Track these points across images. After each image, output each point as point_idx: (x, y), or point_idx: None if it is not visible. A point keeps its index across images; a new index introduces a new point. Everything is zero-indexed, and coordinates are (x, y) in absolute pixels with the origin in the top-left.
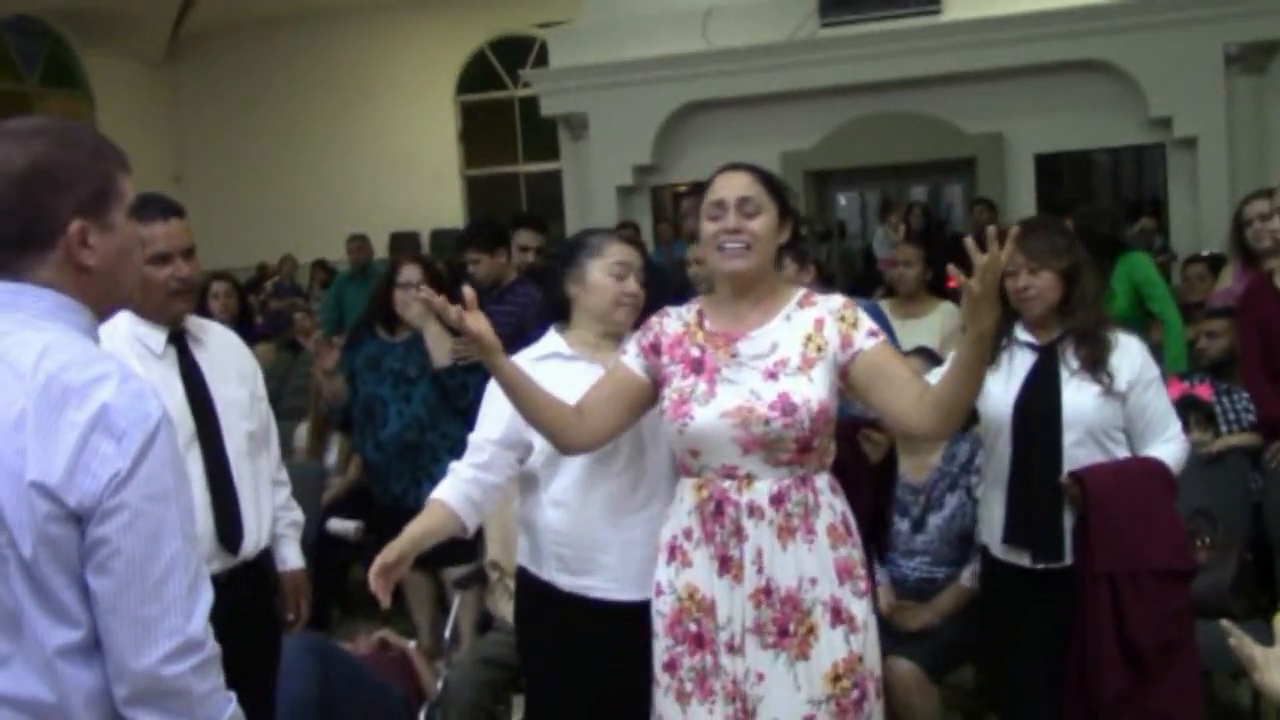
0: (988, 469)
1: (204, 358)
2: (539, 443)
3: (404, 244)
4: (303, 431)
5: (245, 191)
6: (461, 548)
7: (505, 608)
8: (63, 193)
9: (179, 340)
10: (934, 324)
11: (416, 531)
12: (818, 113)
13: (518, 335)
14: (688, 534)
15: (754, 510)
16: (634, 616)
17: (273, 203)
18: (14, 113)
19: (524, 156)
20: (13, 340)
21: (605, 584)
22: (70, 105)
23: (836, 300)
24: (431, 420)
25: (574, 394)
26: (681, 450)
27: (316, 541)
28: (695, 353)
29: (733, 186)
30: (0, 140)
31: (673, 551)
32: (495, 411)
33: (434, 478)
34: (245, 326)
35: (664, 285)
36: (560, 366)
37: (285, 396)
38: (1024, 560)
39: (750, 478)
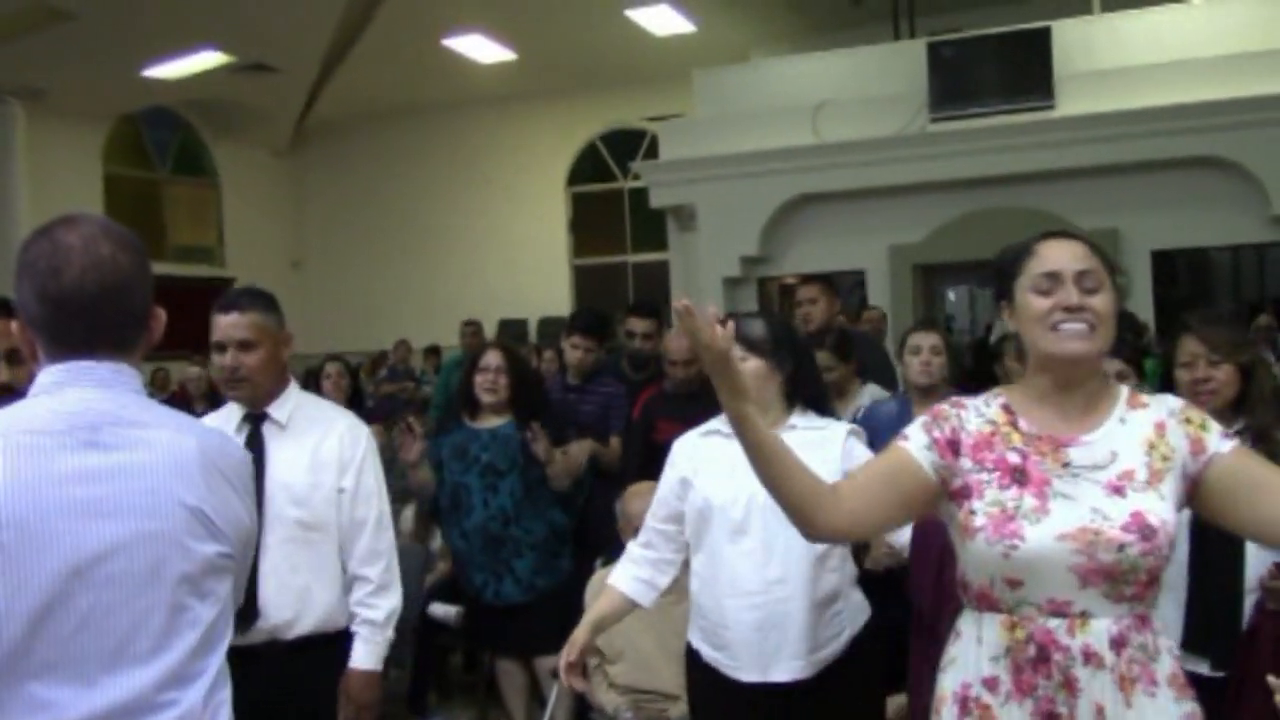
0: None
1: (279, 442)
2: (689, 511)
3: (512, 331)
4: (408, 515)
5: (361, 277)
6: (556, 636)
7: (604, 696)
8: (149, 282)
9: (258, 420)
10: None
11: (594, 618)
12: (927, 207)
13: (601, 423)
14: (991, 684)
15: (1090, 657)
16: (767, 699)
17: (388, 289)
18: (146, 198)
19: (632, 246)
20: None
21: (728, 660)
22: (199, 193)
23: (1173, 400)
24: (517, 514)
25: (735, 473)
26: (991, 578)
27: (418, 625)
28: (1014, 458)
29: (1070, 256)
30: (102, 246)
31: (965, 705)
32: (661, 487)
33: (515, 572)
34: (356, 409)
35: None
36: (722, 444)
37: (393, 479)
38: (1202, 668)
39: (1085, 616)
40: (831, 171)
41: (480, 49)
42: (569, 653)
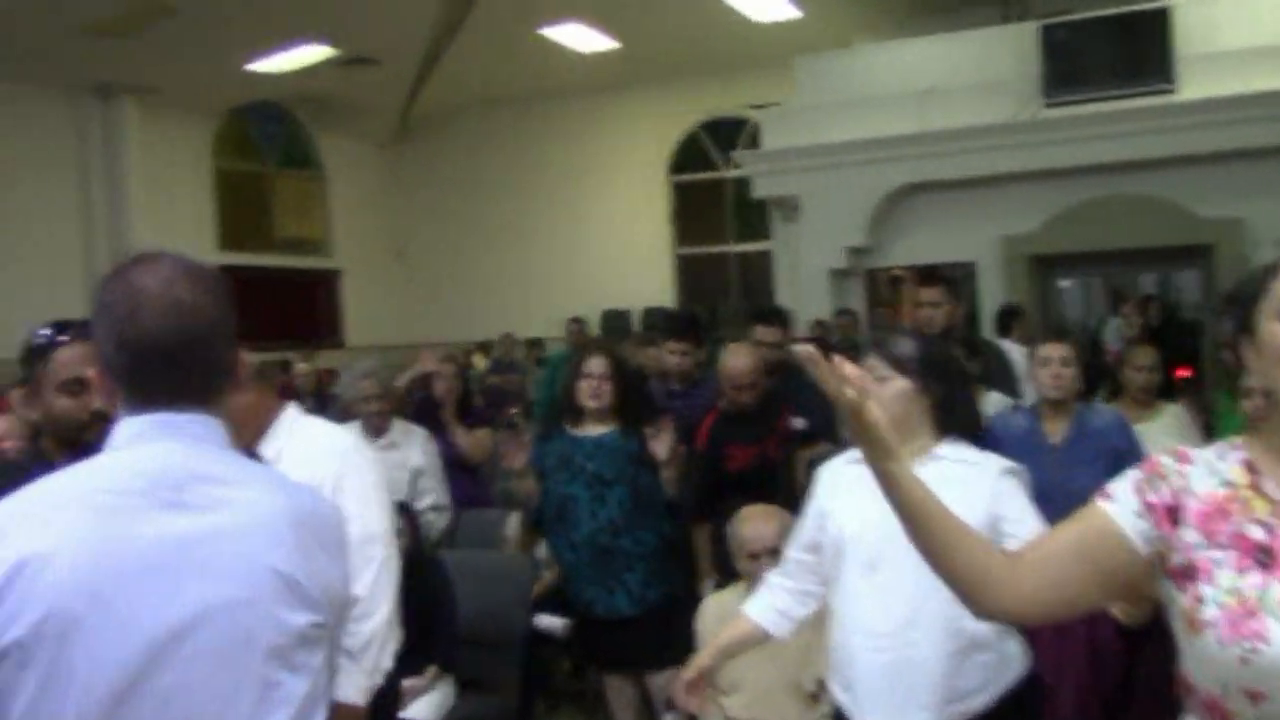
0: None
1: None
2: (825, 542)
3: (615, 322)
4: (514, 521)
5: (464, 267)
6: (667, 651)
7: None
8: (233, 325)
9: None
10: (1169, 428)
11: (722, 643)
12: (1040, 195)
13: (687, 437)
14: None
15: None
16: None
17: (490, 278)
18: (254, 191)
19: (735, 236)
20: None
21: (853, 703)
22: (305, 185)
23: None
24: (626, 525)
25: (871, 503)
26: (1224, 686)
27: (524, 636)
28: (1258, 533)
29: None
30: (181, 289)
31: None
32: (805, 515)
33: (626, 585)
34: (466, 408)
35: None
36: (863, 471)
37: (498, 481)
38: None
39: None
40: (940, 160)
41: (580, 38)
42: (690, 672)
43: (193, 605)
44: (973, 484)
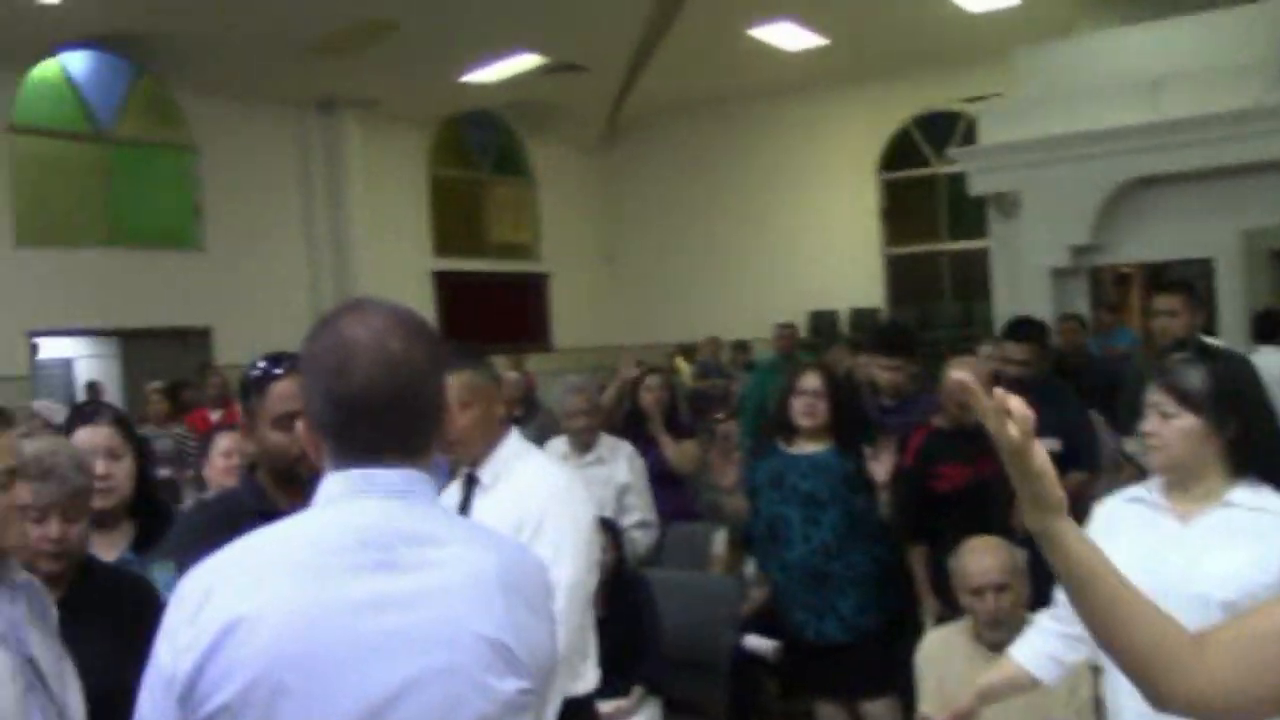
0: None
1: (481, 504)
2: None
3: (822, 324)
4: (721, 538)
5: (672, 270)
6: (881, 679)
7: None
8: (443, 376)
9: (472, 481)
10: None
11: (983, 686)
12: None
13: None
14: None
15: None
16: None
17: (696, 281)
18: (468, 198)
19: (948, 235)
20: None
21: None
22: (515, 191)
23: None
24: (840, 548)
25: (1151, 549)
26: None
27: (733, 657)
28: None
29: None
30: (392, 341)
31: None
32: None
33: (838, 610)
34: (673, 419)
35: (1094, 381)
36: (1146, 514)
37: (705, 493)
38: None
39: None
40: (1174, 151)
41: (789, 37)
42: (946, 716)
43: (401, 674)
44: (1270, 536)
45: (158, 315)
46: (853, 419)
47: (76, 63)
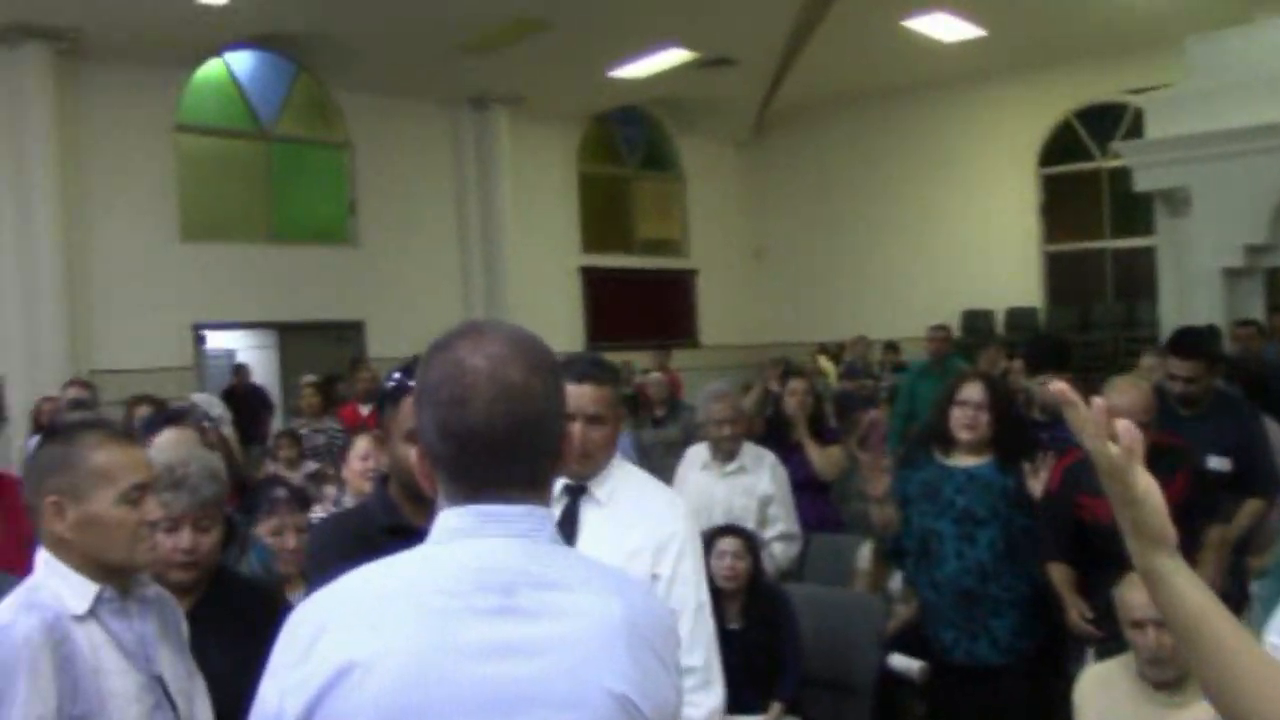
0: None
1: (595, 520)
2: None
3: (977, 324)
4: (866, 551)
5: (821, 266)
6: (1032, 704)
7: None
8: (564, 405)
9: (577, 493)
10: None
11: None
12: None
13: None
14: None
15: None
16: None
17: (846, 278)
18: (616, 194)
19: (1111, 231)
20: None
21: None
22: (664, 187)
23: None
24: (996, 569)
25: None
26: None
27: (877, 678)
28: None
29: None
30: (513, 370)
31: None
32: None
33: (991, 632)
34: (819, 424)
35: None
36: None
37: (850, 501)
38: None
39: None
40: None
41: (945, 27)
42: None
43: None
44: None
45: (313, 309)
46: (1014, 433)
47: (240, 62)
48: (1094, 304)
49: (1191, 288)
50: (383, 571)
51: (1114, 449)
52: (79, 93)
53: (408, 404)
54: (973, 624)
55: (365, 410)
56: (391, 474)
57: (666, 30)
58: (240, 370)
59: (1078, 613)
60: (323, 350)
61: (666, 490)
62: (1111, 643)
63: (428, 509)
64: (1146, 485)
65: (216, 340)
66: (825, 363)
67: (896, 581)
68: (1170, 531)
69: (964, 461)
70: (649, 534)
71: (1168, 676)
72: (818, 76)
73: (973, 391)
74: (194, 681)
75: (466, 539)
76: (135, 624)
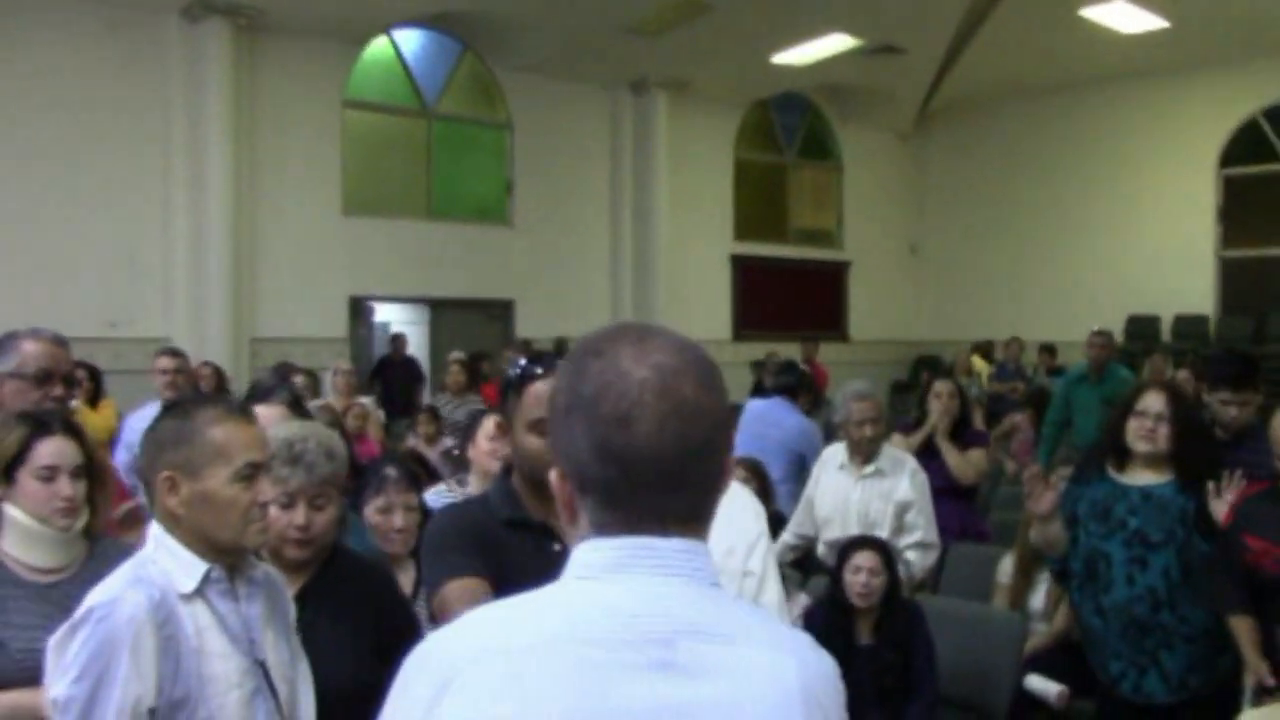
0: None
1: None
2: None
3: (1142, 330)
4: (1006, 565)
5: (980, 264)
6: None
7: None
8: (732, 425)
9: None
10: None
11: None
12: None
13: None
14: None
15: None
16: None
17: (1005, 277)
18: (772, 182)
19: None
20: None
21: None
22: (821, 175)
23: None
24: (1170, 598)
25: None
26: None
27: (1013, 700)
28: None
29: None
30: (685, 384)
31: None
32: None
33: (1161, 666)
34: (963, 426)
35: None
36: None
37: (995, 508)
38: None
39: None
40: None
41: (1126, 18)
42: None
43: None
44: None
45: (465, 286)
46: (1198, 449)
47: (407, 41)
48: (1272, 315)
49: None
50: (521, 614)
51: None
52: (255, 67)
53: (532, 392)
54: (1141, 656)
55: None
56: (514, 464)
57: (832, 16)
58: (397, 341)
59: (1257, 679)
60: (472, 327)
61: (744, 489)
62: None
63: (550, 503)
64: None
65: (376, 313)
66: (979, 362)
67: (1039, 598)
68: None
69: (1140, 479)
70: (742, 533)
71: None
72: (986, 68)
73: (1153, 401)
74: (298, 667)
75: (617, 577)
76: (242, 606)
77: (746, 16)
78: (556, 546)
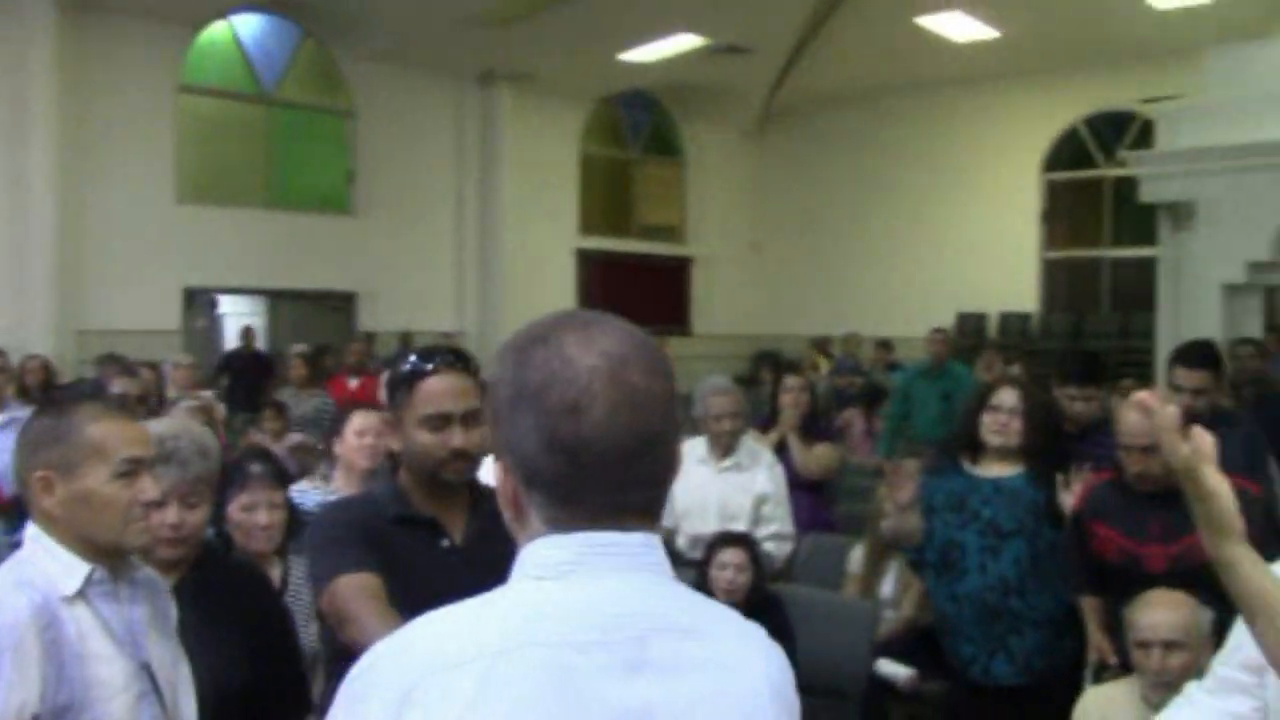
0: None
1: None
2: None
3: (970, 327)
4: (857, 555)
5: (819, 262)
6: None
7: None
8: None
9: None
10: None
11: None
12: None
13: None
14: None
15: None
16: None
17: (843, 274)
18: (618, 178)
19: (1111, 240)
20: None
21: None
22: (666, 172)
23: None
24: (1020, 585)
25: None
26: None
27: (865, 686)
28: None
29: None
30: (633, 373)
31: None
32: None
33: (1009, 650)
34: (814, 421)
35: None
36: None
37: (840, 500)
38: None
39: None
40: None
41: (958, 27)
42: None
43: None
44: None
45: (305, 278)
46: (1049, 443)
47: (246, 25)
48: (1090, 313)
49: (1190, 302)
50: (479, 618)
51: (1186, 449)
52: (81, 47)
53: (424, 388)
54: (991, 641)
55: (354, 384)
56: (404, 462)
57: (679, 15)
58: (248, 334)
59: (1099, 655)
60: (313, 320)
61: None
62: (1108, 670)
63: (439, 499)
64: (1215, 481)
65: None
66: (820, 359)
67: (888, 586)
68: (1238, 523)
69: (993, 471)
70: None
71: (1170, 700)
72: (827, 70)
73: (1007, 396)
74: (179, 669)
75: (579, 576)
76: (125, 608)
77: (595, 13)
78: (445, 543)
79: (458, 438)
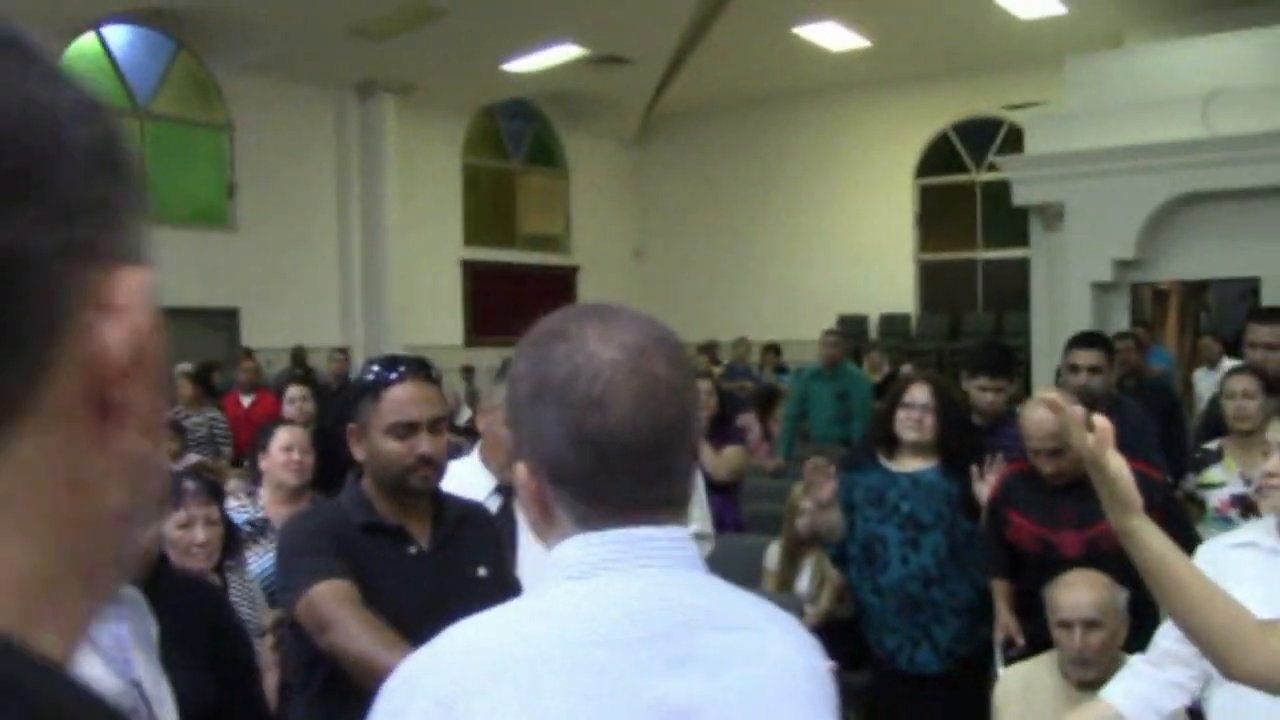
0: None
1: None
2: None
3: (852, 328)
4: (773, 551)
5: (702, 268)
6: (974, 709)
7: None
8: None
9: (508, 492)
10: None
11: None
12: None
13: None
14: None
15: None
16: None
17: (726, 280)
18: (501, 187)
19: (984, 242)
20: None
21: None
22: (549, 182)
23: None
24: (940, 574)
25: (1272, 598)
26: None
27: None
28: None
29: None
30: (656, 363)
31: None
32: None
33: (932, 638)
34: (722, 424)
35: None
36: (1261, 560)
37: (748, 501)
38: None
39: None
40: (1223, 168)
41: (832, 36)
42: None
43: None
44: None
45: (185, 294)
46: (961, 436)
47: (116, 37)
48: (964, 313)
49: (1062, 300)
50: (516, 619)
51: (1091, 439)
52: None
53: (389, 396)
54: (915, 630)
55: (247, 401)
56: (368, 470)
57: (560, 25)
58: None
59: (1007, 633)
60: (194, 336)
61: None
62: (1017, 650)
63: (405, 506)
64: (1117, 465)
65: None
66: (709, 365)
67: (804, 582)
68: (1137, 499)
69: (909, 465)
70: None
71: (1089, 676)
72: (706, 79)
73: (919, 393)
74: (161, 688)
75: (614, 573)
76: (112, 626)
77: (475, 23)
78: (413, 550)
79: (424, 444)
